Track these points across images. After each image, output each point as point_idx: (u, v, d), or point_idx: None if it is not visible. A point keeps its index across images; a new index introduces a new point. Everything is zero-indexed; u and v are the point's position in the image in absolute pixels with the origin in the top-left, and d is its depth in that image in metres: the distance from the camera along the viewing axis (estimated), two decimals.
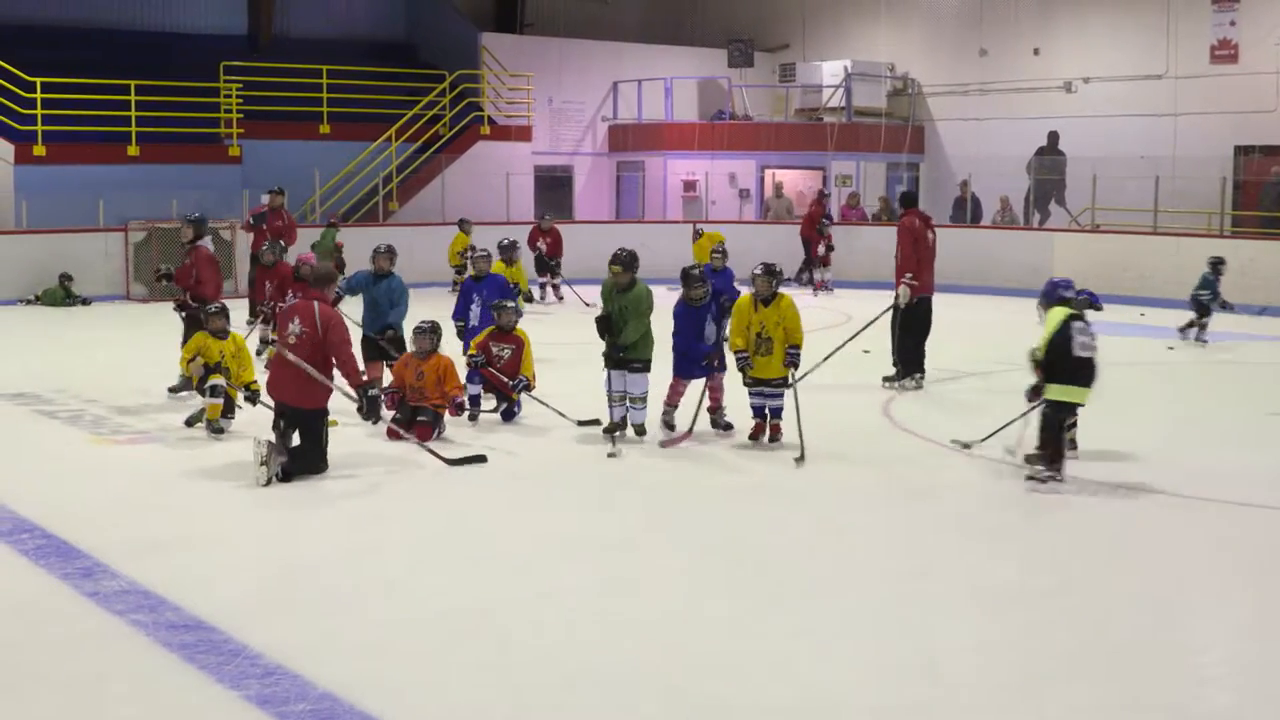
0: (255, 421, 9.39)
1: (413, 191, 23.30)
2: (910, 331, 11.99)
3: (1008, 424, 8.98)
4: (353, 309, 10.23)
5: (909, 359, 12.00)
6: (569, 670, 5.32)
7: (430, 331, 9.88)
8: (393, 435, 9.35)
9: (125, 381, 11.02)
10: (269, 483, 8.10)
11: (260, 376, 9.73)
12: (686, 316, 9.68)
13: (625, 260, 9.62)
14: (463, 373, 10.05)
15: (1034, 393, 8.46)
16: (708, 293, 9.67)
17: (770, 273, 9.40)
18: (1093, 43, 23.63)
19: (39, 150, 19.79)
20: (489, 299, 11.09)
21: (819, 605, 6.15)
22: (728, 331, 9.74)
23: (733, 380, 9.75)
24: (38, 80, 19.71)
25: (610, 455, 9.13)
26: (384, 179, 22.72)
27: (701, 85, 26.88)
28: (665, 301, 10.07)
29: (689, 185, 25.56)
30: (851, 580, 6.57)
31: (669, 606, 6.12)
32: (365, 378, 8.81)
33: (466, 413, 10.03)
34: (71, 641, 5.59)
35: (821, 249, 21.30)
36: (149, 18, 23.86)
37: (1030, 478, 8.31)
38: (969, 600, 6.25)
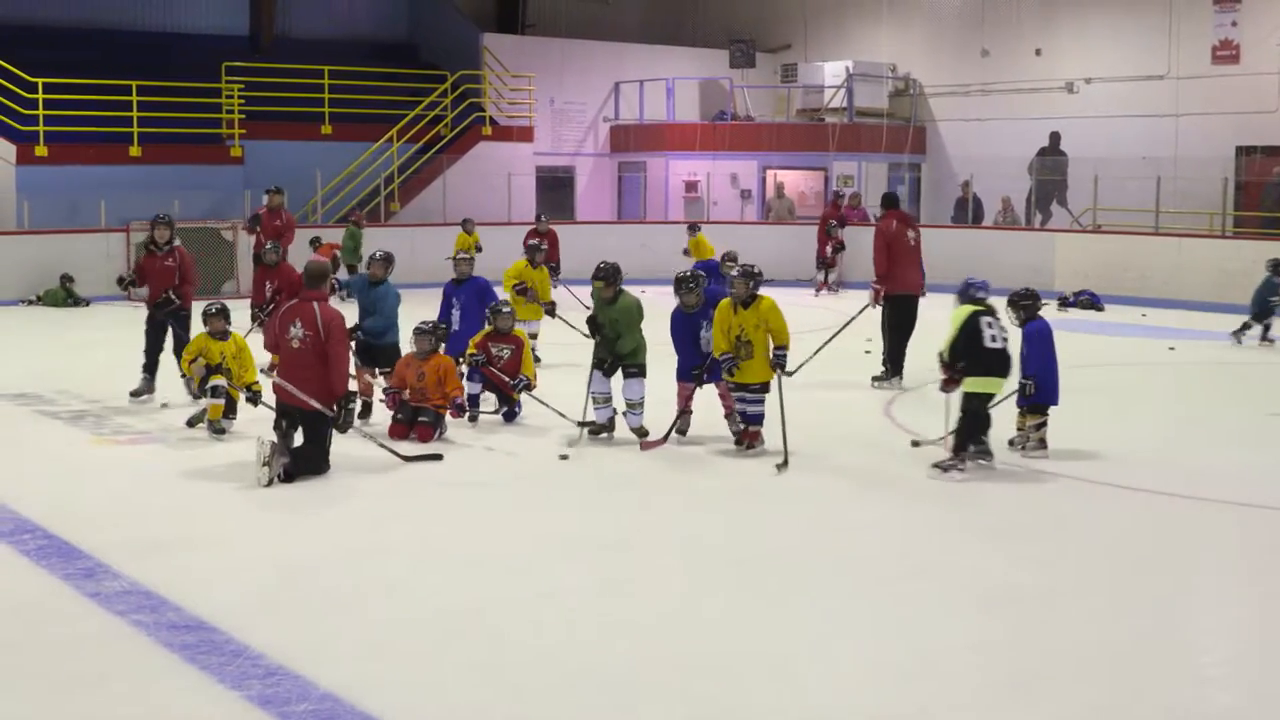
0: (257, 421, 9.40)
1: (414, 192, 23.32)
2: (894, 330, 12.02)
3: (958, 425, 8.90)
4: (352, 311, 10.25)
5: (896, 359, 12.04)
6: (568, 670, 5.32)
7: (431, 332, 9.91)
8: (393, 434, 9.41)
9: (126, 382, 11.01)
10: (271, 483, 8.10)
11: (260, 377, 9.76)
12: (683, 324, 9.63)
13: (606, 275, 9.62)
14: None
15: (946, 386, 8.85)
16: (701, 299, 9.62)
17: (747, 275, 9.27)
18: (1094, 43, 23.63)
19: (40, 151, 19.82)
20: (467, 304, 11.14)
21: (817, 605, 6.16)
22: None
23: None
24: (39, 81, 19.74)
25: (562, 457, 9.08)
26: (385, 179, 22.74)
27: (703, 86, 26.89)
28: (667, 303, 10.07)
29: (690, 186, 25.57)
30: (850, 580, 6.58)
31: (668, 607, 6.13)
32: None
33: (467, 413, 10.05)
34: (73, 642, 5.60)
35: (829, 250, 21.29)
36: (150, 18, 23.89)
37: (935, 465, 8.69)
38: (967, 600, 6.25)
